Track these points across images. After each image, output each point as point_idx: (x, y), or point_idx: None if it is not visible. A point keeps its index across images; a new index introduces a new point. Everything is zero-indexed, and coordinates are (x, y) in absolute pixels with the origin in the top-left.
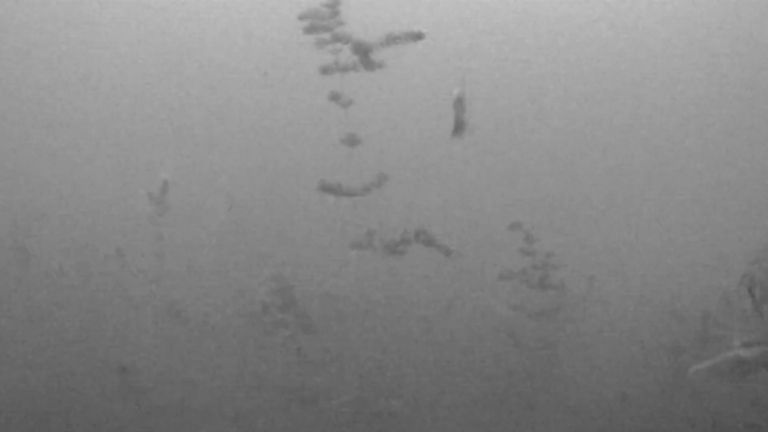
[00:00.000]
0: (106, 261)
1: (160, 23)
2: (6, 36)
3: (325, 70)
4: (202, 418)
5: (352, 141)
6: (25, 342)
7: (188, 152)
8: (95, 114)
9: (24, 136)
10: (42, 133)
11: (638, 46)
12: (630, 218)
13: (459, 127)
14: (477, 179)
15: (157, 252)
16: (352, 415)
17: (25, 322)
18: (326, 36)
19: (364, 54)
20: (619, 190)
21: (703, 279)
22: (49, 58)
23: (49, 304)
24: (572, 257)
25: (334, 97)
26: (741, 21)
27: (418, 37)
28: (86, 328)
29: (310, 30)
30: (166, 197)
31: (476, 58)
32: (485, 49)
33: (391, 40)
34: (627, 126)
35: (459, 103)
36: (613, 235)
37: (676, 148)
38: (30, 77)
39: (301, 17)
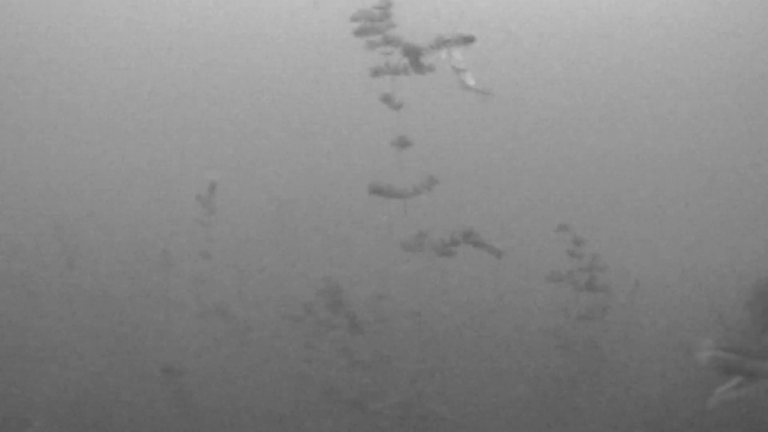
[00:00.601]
0: (153, 262)
1: (208, 25)
2: (61, 36)
3: (376, 73)
4: (247, 420)
5: (402, 143)
6: (70, 343)
7: (237, 153)
8: (144, 114)
9: (71, 135)
10: (89, 133)
11: (698, 44)
12: (678, 221)
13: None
14: (525, 181)
15: (205, 253)
16: (398, 419)
17: (71, 323)
18: (377, 38)
19: (414, 57)
20: (667, 193)
21: (750, 281)
22: (100, 60)
23: (95, 305)
24: (619, 259)
25: (386, 99)
26: None
27: (468, 40)
28: (131, 328)
29: (360, 32)
30: (213, 199)
31: (527, 61)
32: (535, 52)
33: (442, 43)
34: (678, 128)
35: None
36: (660, 238)
37: (727, 150)
38: (79, 79)
39: (353, 19)
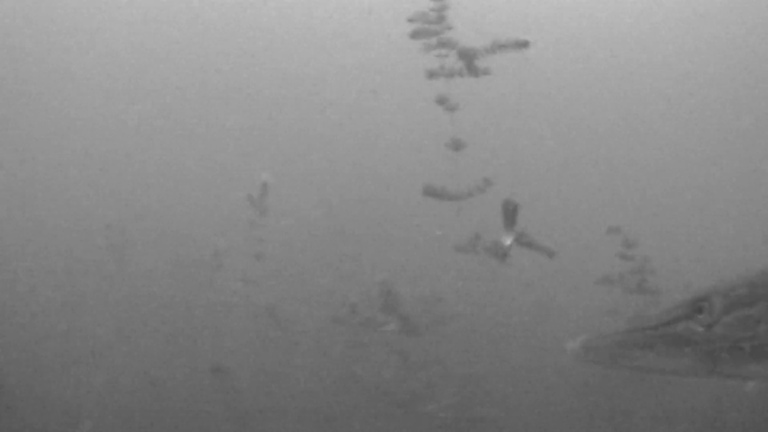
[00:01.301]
0: (203, 262)
1: (262, 26)
2: (112, 36)
3: (431, 75)
4: (296, 420)
5: (457, 145)
6: (120, 343)
7: (289, 154)
8: (197, 114)
9: (122, 135)
10: (141, 132)
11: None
12: (728, 223)
13: None
14: (577, 183)
15: (257, 254)
16: (449, 420)
17: (120, 322)
18: (433, 41)
19: (469, 60)
20: (718, 195)
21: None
22: (153, 60)
23: (144, 305)
24: (669, 262)
25: (441, 100)
26: None
27: (523, 45)
28: (181, 329)
29: (415, 35)
30: (265, 199)
31: (581, 67)
32: (589, 56)
33: (497, 47)
34: (726, 131)
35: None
36: (710, 241)
37: None
38: (130, 81)
39: (410, 20)
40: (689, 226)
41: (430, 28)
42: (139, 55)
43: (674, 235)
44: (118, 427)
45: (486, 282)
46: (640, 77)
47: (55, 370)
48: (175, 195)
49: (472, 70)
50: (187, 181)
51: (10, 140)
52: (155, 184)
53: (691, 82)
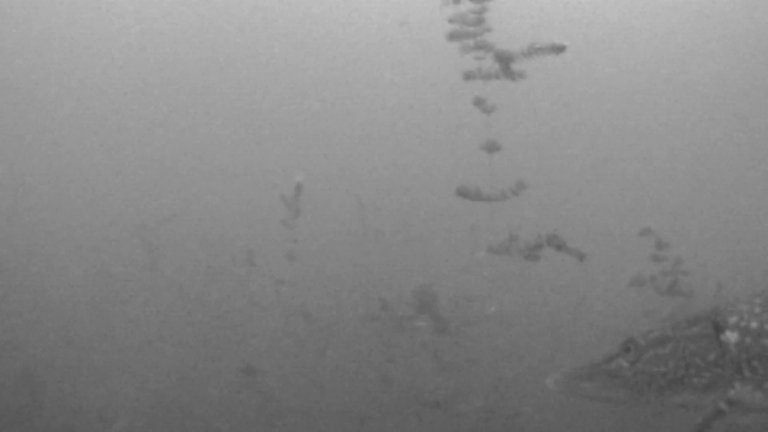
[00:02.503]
0: (236, 263)
1: (299, 29)
2: (146, 37)
3: (468, 76)
4: (328, 420)
5: (492, 147)
6: (154, 342)
7: (323, 155)
8: (231, 116)
9: (156, 135)
10: (174, 133)
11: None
12: (759, 225)
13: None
14: (610, 185)
15: (290, 254)
16: (482, 420)
17: (153, 323)
18: (470, 42)
19: (505, 63)
20: (749, 196)
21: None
22: (192, 63)
23: (178, 305)
24: (701, 263)
25: (478, 102)
26: None
27: (560, 49)
28: (214, 328)
29: (452, 37)
30: (299, 200)
31: (614, 70)
32: (624, 60)
33: (533, 51)
34: (761, 131)
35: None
36: (742, 241)
37: None
38: (171, 81)
39: (450, 20)
40: (721, 227)
41: (467, 30)
42: (176, 59)
43: (707, 235)
44: (151, 427)
45: (519, 283)
46: (674, 80)
47: (88, 370)
48: (208, 195)
49: (509, 73)
50: (221, 182)
51: (44, 143)
52: (189, 184)
53: (725, 81)
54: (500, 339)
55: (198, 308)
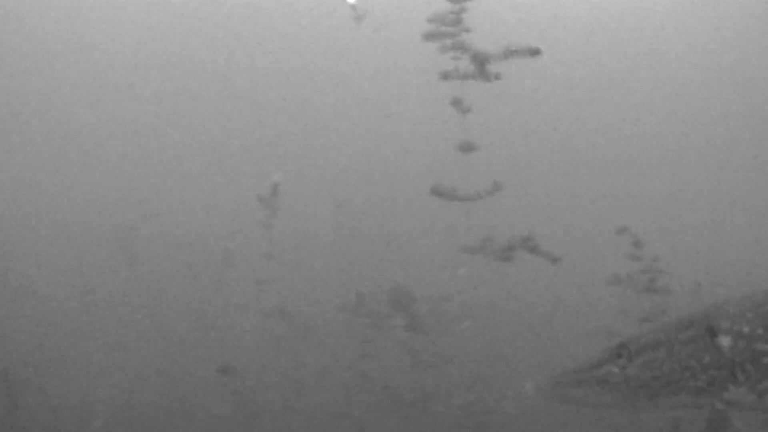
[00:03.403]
0: (213, 262)
1: (274, 29)
2: (113, 39)
3: (445, 76)
4: (306, 419)
5: (467, 147)
6: (130, 343)
7: (299, 154)
8: (207, 116)
9: (132, 135)
10: (151, 133)
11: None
12: (736, 222)
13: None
14: (586, 185)
15: (267, 254)
16: (461, 418)
17: (130, 323)
18: (447, 43)
19: (481, 64)
20: (726, 195)
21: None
22: (165, 63)
23: (154, 305)
24: (679, 261)
25: (455, 103)
26: None
27: (535, 52)
28: (191, 327)
29: (429, 37)
30: (276, 200)
31: (592, 72)
32: (598, 61)
33: (509, 53)
34: (735, 130)
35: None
36: (719, 240)
37: None
38: (138, 83)
39: (429, 20)
40: (698, 225)
41: (444, 30)
42: (150, 58)
43: (684, 234)
44: (127, 426)
45: (495, 282)
46: (648, 80)
47: (64, 370)
48: (185, 195)
49: (484, 74)
50: (198, 182)
51: (19, 142)
52: (166, 184)
53: (699, 82)
54: (477, 337)
55: (176, 308)
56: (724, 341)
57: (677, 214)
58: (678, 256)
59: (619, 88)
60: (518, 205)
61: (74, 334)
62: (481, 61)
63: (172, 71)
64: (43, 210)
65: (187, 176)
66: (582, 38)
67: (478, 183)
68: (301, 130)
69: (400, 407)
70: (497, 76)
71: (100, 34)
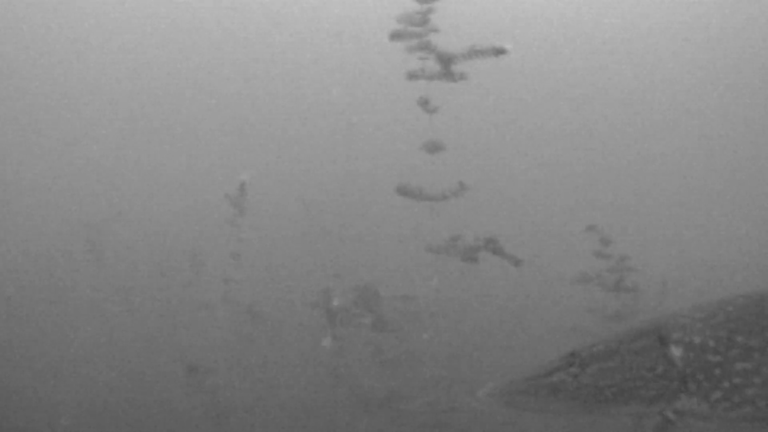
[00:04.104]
0: (181, 262)
1: (242, 29)
2: (86, 40)
3: (412, 77)
4: (275, 418)
5: (433, 147)
6: (99, 341)
7: (267, 154)
8: (174, 115)
9: (100, 134)
10: (118, 132)
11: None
12: (704, 220)
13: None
14: (554, 183)
15: (236, 253)
16: (428, 416)
17: (99, 322)
18: (414, 43)
19: (445, 65)
20: (693, 193)
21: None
22: (130, 62)
23: (123, 303)
24: (646, 260)
25: (422, 103)
26: None
27: (500, 52)
28: (160, 328)
29: (394, 37)
30: (244, 199)
31: (559, 72)
32: (568, 63)
33: (474, 53)
34: (702, 131)
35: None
36: (687, 238)
37: (751, 154)
38: (108, 82)
39: (398, 20)
40: (666, 224)
41: (411, 31)
42: (118, 58)
43: (651, 232)
44: (96, 425)
45: (464, 281)
46: (615, 78)
47: (33, 368)
48: (154, 194)
49: (449, 74)
50: (167, 181)
51: None
52: (134, 183)
53: (665, 79)
54: (445, 336)
55: (144, 307)
56: (676, 351)
57: (645, 212)
58: (646, 254)
59: (586, 87)
60: (487, 204)
61: (43, 332)
62: (445, 61)
63: (142, 73)
64: (12, 210)
65: (155, 175)
66: (550, 36)
67: (445, 183)
68: (270, 130)
69: (368, 405)
70: (462, 76)
71: (66, 32)
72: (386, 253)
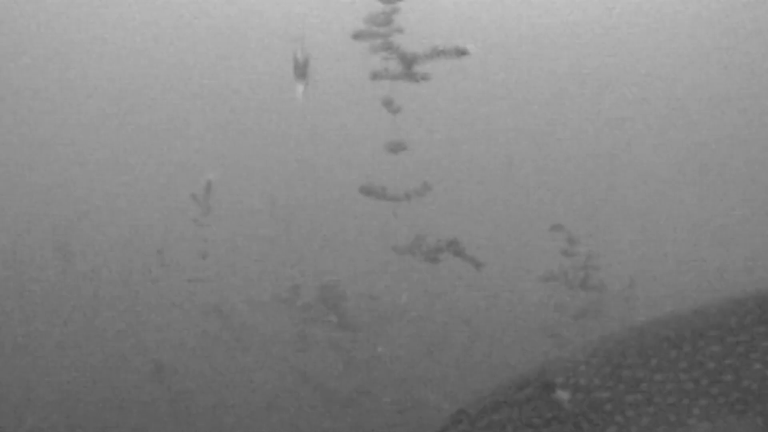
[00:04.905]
0: (148, 261)
1: (206, 23)
2: (52, 38)
3: (375, 76)
4: (240, 417)
5: (396, 148)
6: (65, 341)
7: (233, 153)
8: (139, 114)
9: (67, 134)
10: (85, 132)
11: (679, 44)
12: (670, 219)
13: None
14: (519, 183)
15: (201, 252)
16: (392, 414)
17: (66, 321)
18: (378, 43)
19: (408, 65)
20: (659, 191)
21: (743, 279)
22: (92, 60)
23: (90, 303)
24: (613, 258)
25: (386, 102)
26: None
27: (462, 53)
28: (127, 327)
29: (357, 36)
30: (210, 198)
31: (520, 67)
32: (529, 58)
33: (436, 54)
34: (666, 129)
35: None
36: (653, 236)
37: (714, 151)
38: (71, 80)
39: (366, 21)
40: (632, 222)
41: (373, 31)
42: (85, 55)
43: (618, 231)
44: (60, 425)
45: (430, 280)
46: (576, 75)
47: None
48: (121, 193)
49: (411, 74)
50: (132, 181)
51: None
52: (101, 184)
53: (621, 77)
54: (410, 335)
55: (110, 306)
56: (563, 395)
57: (611, 211)
58: (612, 252)
59: (549, 87)
60: (453, 204)
61: (7, 332)
62: (408, 61)
63: (107, 71)
64: None
65: (122, 175)
66: (513, 36)
67: (409, 183)
68: (235, 129)
69: (332, 404)
70: (424, 77)
71: (35, 31)
72: (353, 252)
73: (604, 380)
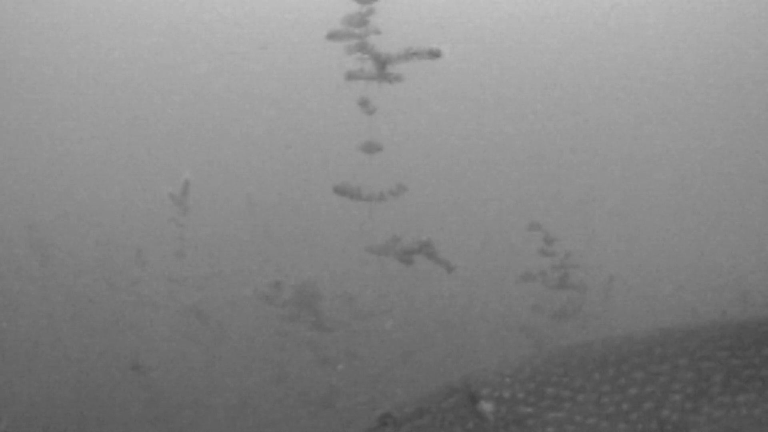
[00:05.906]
0: (126, 261)
1: (185, 22)
2: (36, 40)
3: (350, 77)
4: (218, 417)
5: (371, 148)
6: (43, 341)
7: (210, 153)
8: (117, 113)
9: (44, 134)
10: (62, 132)
11: (653, 46)
12: (648, 217)
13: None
14: (495, 182)
15: (179, 252)
16: (368, 414)
17: (43, 322)
18: (353, 43)
19: (381, 66)
20: (636, 190)
21: (722, 278)
22: (75, 62)
23: (68, 303)
24: (591, 257)
25: (362, 103)
26: None
27: (435, 54)
28: (104, 327)
29: (331, 37)
30: (187, 198)
31: (501, 73)
32: (508, 63)
33: (409, 55)
34: (645, 127)
35: None
36: (631, 235)
37: (692, 149)
38: (53, 81)
39: (344, 22)
40: (610, 221)
41: (349, 31)
42: (63, 55)
43: (596, 229)
44: (38, 425)
45: (407, 280)
46: (554, 76)
47: None
48: (98, 193)
49: (385, 75)
50: (110, 180)
51: None
52: (78, 183)
53: (597, 74)
54: (388, 334)
55: (88, 306)
56: (486, 407)
57: (589, 209)
58: (590, 250)
59: (524, 86)
60: (428, 204)
61: None
62: (381, 62)
63: (83, 71)
64: None
65: (98, 174)
66: (489, 37)
67: (385, 183)
68: (212, 129)
69: (308, 403)
70: (397, 78)
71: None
72: (329, 252)
73: (528, 395)
